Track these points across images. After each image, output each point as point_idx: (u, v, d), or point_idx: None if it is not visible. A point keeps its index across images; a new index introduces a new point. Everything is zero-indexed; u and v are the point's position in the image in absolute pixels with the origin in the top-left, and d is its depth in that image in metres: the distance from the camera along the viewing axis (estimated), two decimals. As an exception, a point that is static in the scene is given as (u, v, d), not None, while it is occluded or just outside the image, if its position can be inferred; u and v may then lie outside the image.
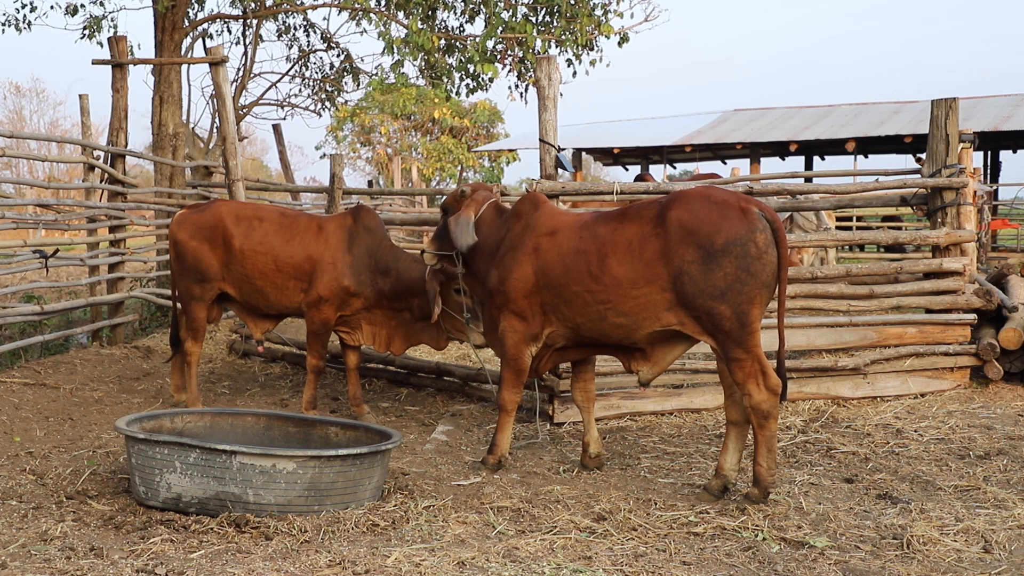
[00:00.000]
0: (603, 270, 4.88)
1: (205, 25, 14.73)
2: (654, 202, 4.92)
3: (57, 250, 8.78)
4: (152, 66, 12.52)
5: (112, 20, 13.77)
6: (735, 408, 4.85)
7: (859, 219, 19.26)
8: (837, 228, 15.83)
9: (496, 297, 5.28)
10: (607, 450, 5.73)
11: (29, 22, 14.01)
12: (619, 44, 13.61)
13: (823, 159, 26.11)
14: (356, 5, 14.05)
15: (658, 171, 27.83)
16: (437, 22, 14.14)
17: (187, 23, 13.27)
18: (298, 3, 15.09)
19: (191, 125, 14.10)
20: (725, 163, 26.99)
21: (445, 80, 14.58)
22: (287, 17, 16.47)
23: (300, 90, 17.60)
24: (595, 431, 5.42)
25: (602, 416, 6.39)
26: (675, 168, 29.49)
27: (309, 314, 6.57)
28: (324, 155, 33.97)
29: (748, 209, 4.67)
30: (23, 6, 13.95)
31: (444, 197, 7.02)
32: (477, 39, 13.37)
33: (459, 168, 32.18)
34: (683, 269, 4.66)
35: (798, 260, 11.58)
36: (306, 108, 17.64)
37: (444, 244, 5.74)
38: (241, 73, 15.66)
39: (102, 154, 9.68)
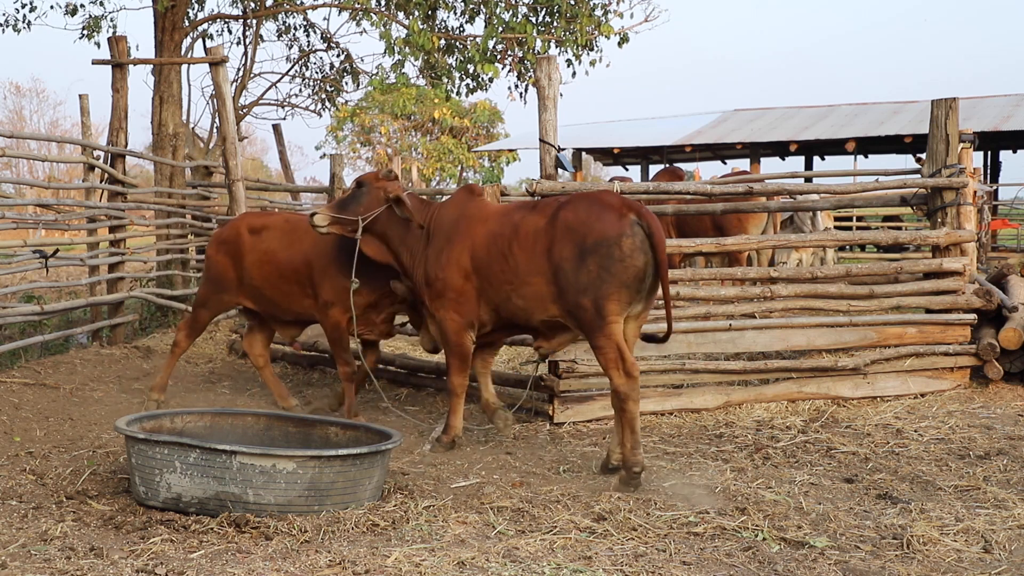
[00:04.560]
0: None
1: (205, 25, 14.75)
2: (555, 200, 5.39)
3: (57, 250, 8.78)
4: (152, 66, 12.53)
5: (112, 20, 13.81)
6: None
7: (859, 219, 19.26)
8: (837, 228, 15.83)
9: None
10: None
11: (29, 22, 14.03)
12: (619, 44, 13.64)
13: (823, 159, 26.11)
14: (356, 5, 14.07)
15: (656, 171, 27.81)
16: (437, 22, 14.15)
17: (187, 23, 13.29)
18: (298, 3, 15.10)
19: (191, 125, 14.11)
20: (725, 163, 27.00)
21: (445, 80, 14.60)
22: (287, 17, 16.50)
23: (300, 90, 17.65)
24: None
25: (602, 416, 6.39)
26: (674, 168, 29.46)
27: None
28: (324, 155, 33.92)
29: (625, 214, 5.02)
30: (23, 6, 13.97)
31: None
32: (477, 39, 13.37)
33: (459, 168, 32.15)
34: (560, 265, 5.11)
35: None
36: (306, 108, 17.67)
37: (346, 212, 5.93)
38: (241, 73, 15.67)
39: (102, 154, 9.68)
